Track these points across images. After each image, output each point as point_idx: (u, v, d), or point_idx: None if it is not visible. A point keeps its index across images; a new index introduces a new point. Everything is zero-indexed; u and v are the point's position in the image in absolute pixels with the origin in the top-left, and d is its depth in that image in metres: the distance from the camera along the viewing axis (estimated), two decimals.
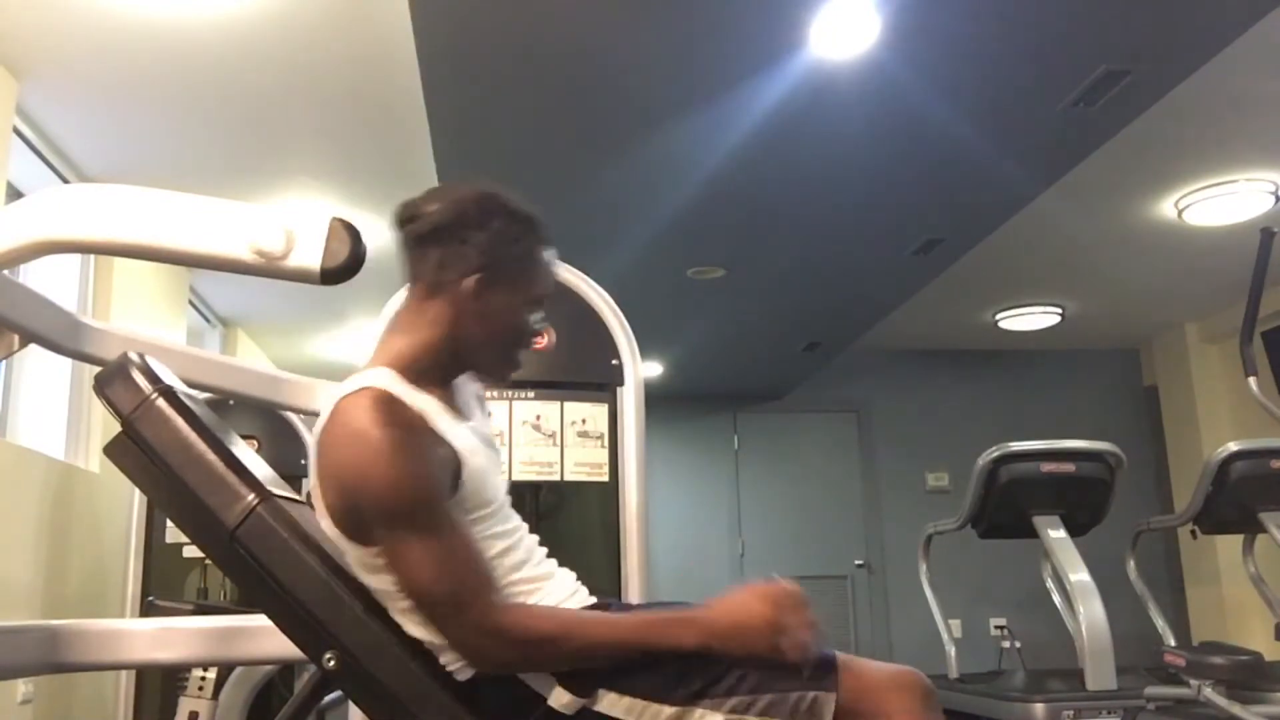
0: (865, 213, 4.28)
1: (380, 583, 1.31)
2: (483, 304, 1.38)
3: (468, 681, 1.32)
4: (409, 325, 1.40)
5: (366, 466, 1.25)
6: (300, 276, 1.16)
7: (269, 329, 6.24)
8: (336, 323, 6.06)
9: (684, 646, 1.26)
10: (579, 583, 1.46)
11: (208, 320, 5.72)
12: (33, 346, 1.57)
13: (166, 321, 4.77)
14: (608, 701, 1.28)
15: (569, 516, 2.79)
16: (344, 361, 6.37)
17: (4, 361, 3.34)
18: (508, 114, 3.47)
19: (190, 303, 5.27)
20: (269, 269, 1.16)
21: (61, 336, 1.62)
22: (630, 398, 2.55)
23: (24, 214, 1.25)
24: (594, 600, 1.45)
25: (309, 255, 1.15)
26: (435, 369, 1.39)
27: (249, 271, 1.26)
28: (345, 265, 1.15)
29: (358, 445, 1.26)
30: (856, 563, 7.22)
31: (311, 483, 1.36)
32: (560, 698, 1.28)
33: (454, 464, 1.31)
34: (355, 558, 1.31)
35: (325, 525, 1.33)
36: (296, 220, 1.18)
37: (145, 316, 4.49)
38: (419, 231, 1.38)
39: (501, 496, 1.41)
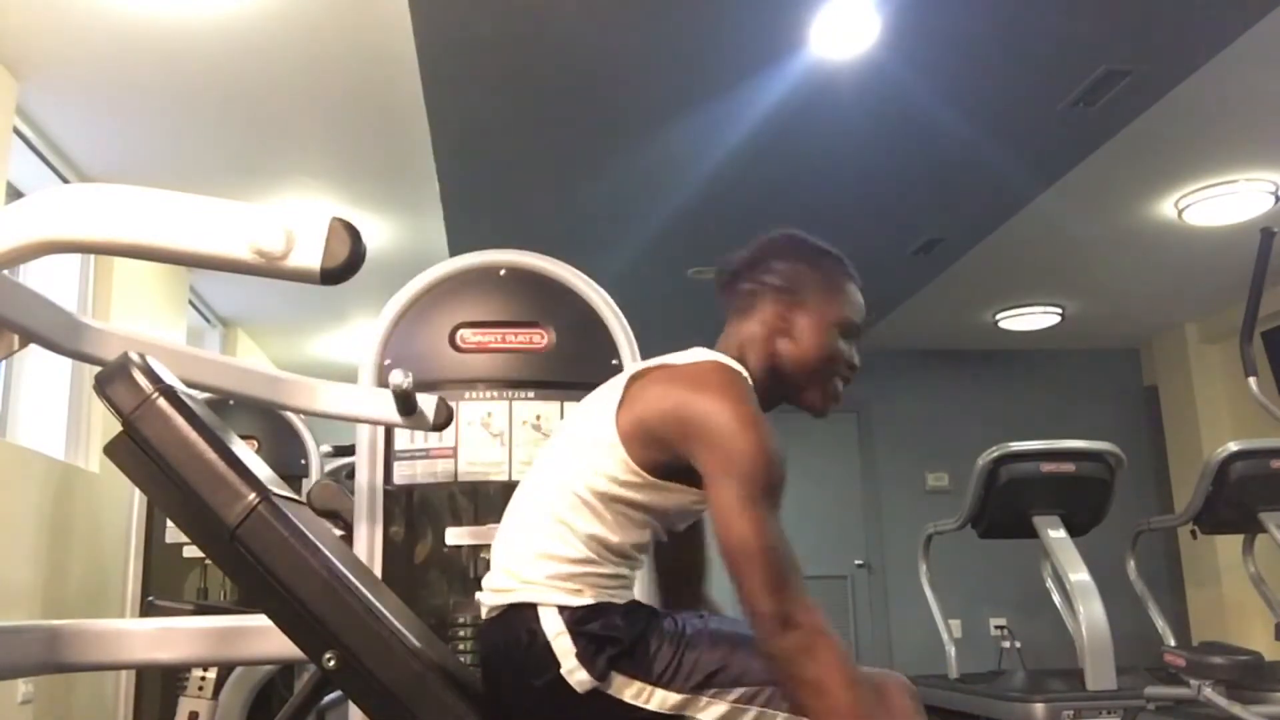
0: (865, 213, 4.29)
1: (588, 493, 1.37)
2: (790, 324, 1.50)
3: (489, 634, 1.40)
4: (738, 349, 1.50)
5: (742, 424, 1.32)
6: (300, 276, 1.16)
7: (269, 329, 6.24)
8: (336, 323, 6.06)
9: None
10: None
11: (208, 320, 5.72)
12: (32, 346, 1.57)
13: (166, 321, 4.78)
14: (618, 684, 1.31)
15: None
16: (344, 361, 6.37)
17: (4, 361, 3.34)
18: (508, 114, 3.47)
19: (190, 303, 5.28)
20: (269, 269, 1.16)
21: (61, 336, 1.62)
22: None
23: (24, 214, 1.26)
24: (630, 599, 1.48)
25: (309, 255, 1.15)
26: (762, 393, 1.46)
27: (249, 271, 1.26)
28: (345, 265, 1.15)
29: (736, 404, 1.34)
30: (856, 563, 7.22)
31: (619, 384, 1.44)
32: (575, 673, 1.30)
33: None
34: (608, 459, 1.37)
35: (605, 424, 1.39)
36: (296, 220, 1.18)
37: (145, 316, 4.50)
38: (731, 270, 1.54)
39: None
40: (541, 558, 1.37)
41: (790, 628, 1.25)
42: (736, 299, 1.55)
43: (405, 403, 1.96)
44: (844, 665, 1.25)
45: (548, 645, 1.32)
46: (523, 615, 1.36)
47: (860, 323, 1.56)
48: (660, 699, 1.31)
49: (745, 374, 1.44)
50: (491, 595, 1.41)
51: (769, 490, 1.31)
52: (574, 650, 1.31)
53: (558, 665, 1.31)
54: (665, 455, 1.36)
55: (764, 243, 1.58)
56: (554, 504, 1.40)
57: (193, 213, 1.21)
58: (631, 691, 1.31)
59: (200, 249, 1.19)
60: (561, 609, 1.34)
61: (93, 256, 4.04)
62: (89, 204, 1.23)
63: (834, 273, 1.56)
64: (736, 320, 1.54)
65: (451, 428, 2.38)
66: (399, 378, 1.92)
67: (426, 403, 2.02)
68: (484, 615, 1.44)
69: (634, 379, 1.44)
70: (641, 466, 1.37)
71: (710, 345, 1.52)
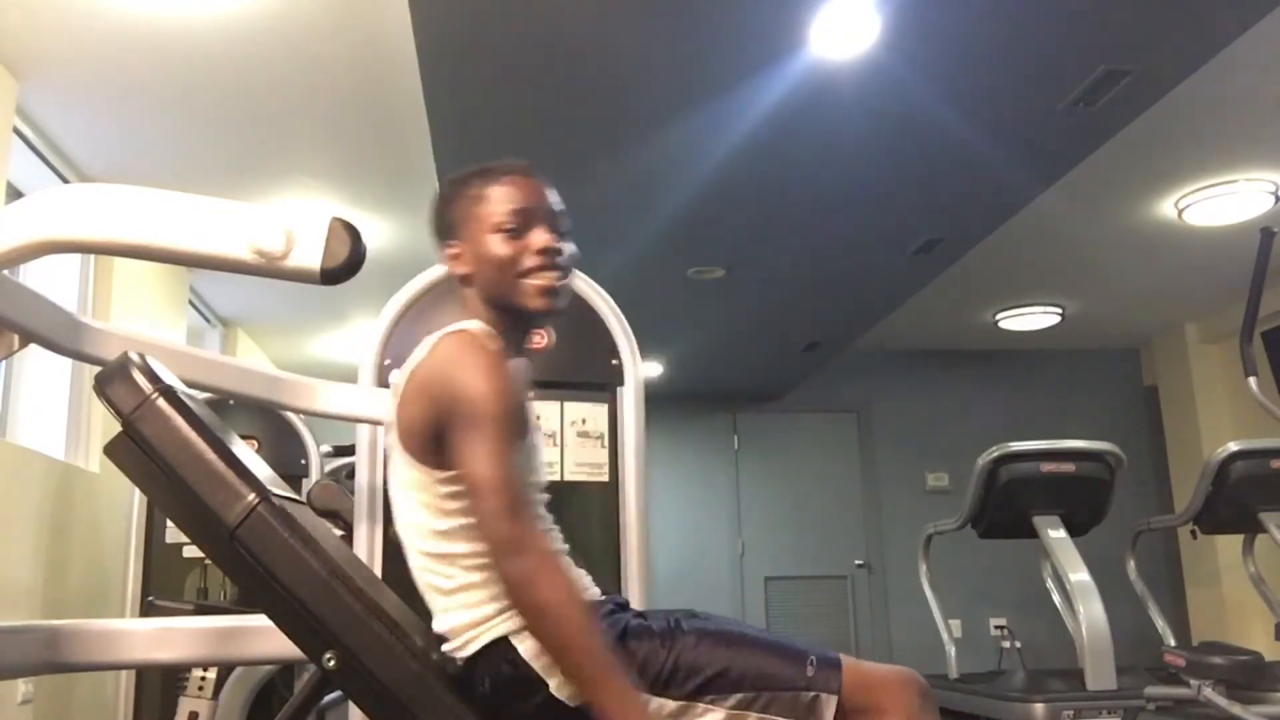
0: (865, 213, 4.28)
1: (438, 518, 1.36)
2: (465, 260, 1.50)
3: (469, 676, 1.34)
4: (466, 314, 1.50)
5: (470, 374, 1.34)
6: (300, 276, 1.16)
7: (269, 329, 6.24)
8: (336, 323, 6.06)
9: (601, 707, 1.23)
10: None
11: (208, 320, 5.72)
12: (32, 346, 1.57)
13: (166, 321, 4.78)
14: None
15: (569, 517, 2.78)
16: (344, 362, 6.37)
17: (4, 362, 3.33)
18: (508, 114, 3.47)
19: (190, 303, 5.28)
20: (269, 269, 1.16)
21: (61, 336, 1.62)
22: (630, 398, 2.55)
23: (24, 214, 1.25)
24: (603, 597, 1.46)
25: (309, 255, 1.15)
26: (499, 330, 1.46)
27: (249, 271, 1.26)
28: (345, 265, 1.15)
29: (464, 358, 1.36)
30: (856, 563, 7.22)
31: (390, 414, 1.44)
32: (565, 688, 1.28)
33: (524, 413, 1.44)
34: (423, 484, 1.38)
35: (398, 459, 1.41)
36: (296, 220, 1.18)
37: (145, 316, 4.50)
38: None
39: (541, 474, 1.52)
40: (468, 597, 1.34)
41: (523, 552, 1.26)
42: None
43: None
44: (569, 591, 1.27)
45: (529, 668, 1.30)
46: (495, 652, 1.32)
47: (518, 209, 1.48)
48: (656, 706, 1.28)
49: (474, 328, 1.43)
50: (457, 651, 1.36)
51: (498, 425, 1.32)
52: (559, 666, 1.28)
53: (545, 685, 1.29)
54: (442, 444, 1.36)
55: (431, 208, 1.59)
56: (430, 547, 1.38)
57: (193, 213, 1.21)
58: None
59: (200, 249, 1.19)
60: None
61: (93, 256, 4.04)
62: (89, 204, 1.23)
63: (469, 190, 1.53)
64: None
65: None
66: (399, 378, 1.92)
67: None
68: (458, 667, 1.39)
69: (399, 397, 1.43)
70: (437, 467, 1.36)
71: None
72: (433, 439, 1.36)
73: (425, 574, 1.39)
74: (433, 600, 1.39)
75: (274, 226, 1.16)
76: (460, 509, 1.36)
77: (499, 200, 1.50)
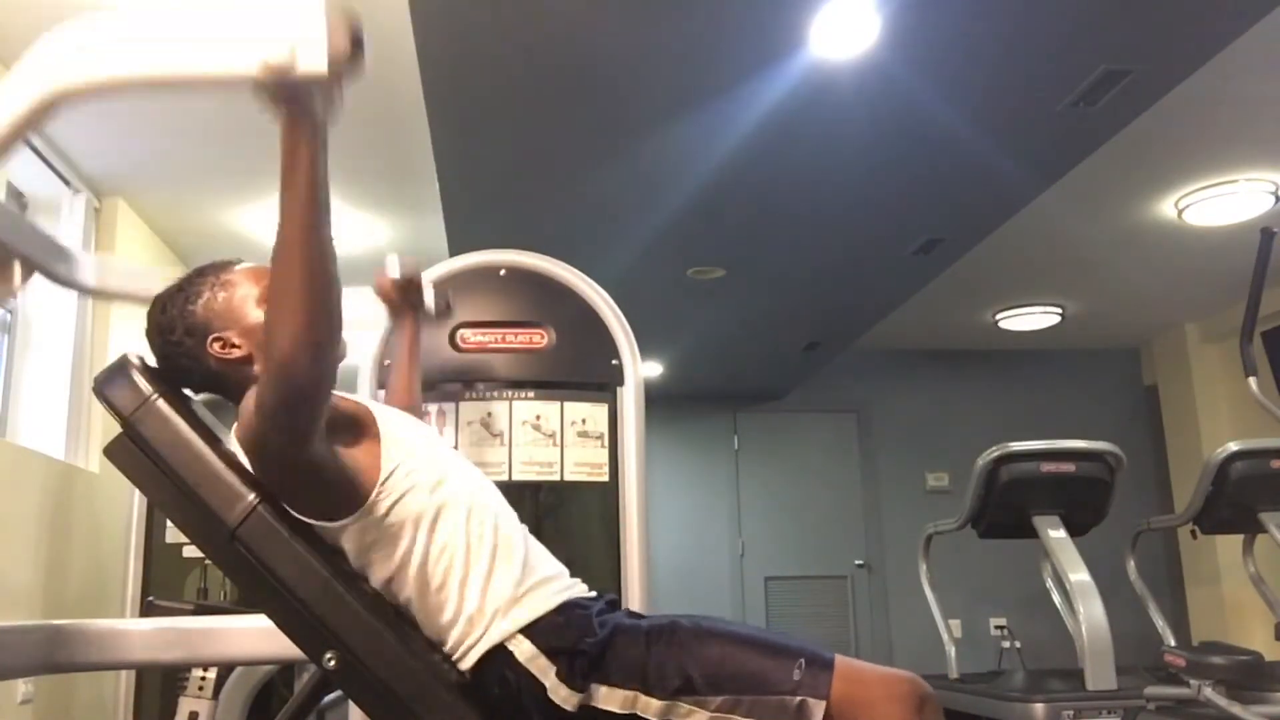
0: (865, 213, 4.28)
1: (381, 565, 1.37)
2: (241, 343, 1.48)
3: (468, 680, 1.34)
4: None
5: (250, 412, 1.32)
6: (311, 83, 1.22)
7: None
8: None
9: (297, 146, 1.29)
10: (576, 580, 1.48)
11: None
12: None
13: None
14: (602, 695, 1.29)
15: (569, 517, 2.79)
16: (344, 363, 6.36)
17: (4, 362, 3.34)
18: (508, 114, 3.47)
19: None
20: (280, 86, 1.21)
21: (63, 270, 1.65)
22: (630, 398, 2.55)
23: (26, 74, 1.29)
24: (594, 594, 1.46)
25: (314, 59, 1.21)
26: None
27: (259, 92, 1.29)
28: (352, 61, 1.23)
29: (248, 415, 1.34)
30: (856, 563, 7.22)
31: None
32: (558, 691, 1.28)
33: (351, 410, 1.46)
34: (346, 543, 1.38)
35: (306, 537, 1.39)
36: (293, 25, 1.23)
37: (145, 311, 4.49)
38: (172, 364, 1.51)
39: (423, 440, 1.51)
40: (460, 619, 1.34)
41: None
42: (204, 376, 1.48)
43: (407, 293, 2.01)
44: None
45: (529, 674, 1.30)
46: (494, 660, 1.33)
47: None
48: (644, 705, 1.28)
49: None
50: (459, 663, 1.36)
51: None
52: (553, 669, 1.29)
53: (544, 689, 1.29)
54: (317, 489, 1.34)
55: (154, 328, 1.51)
56: (403, 596, 1.37)
57: (193, 33, 1.26)
58: (616, 701, 1.28)
59: (208, 72, 1.25)
60: (525, 630, 1.32)
61: (92, 244, 4.04)
62: (87, 47, 1.27)
63: (204, 288, 1.51)
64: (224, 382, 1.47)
65: (451, 429, 2.39)
66: (392, 263, 1.97)
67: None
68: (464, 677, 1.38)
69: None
70: (331, 517, 1.35)
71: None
72: (303, 487, 1.34)
73: (420, 616, 1.38)
74: (432, 630, 1.38)
75: (274, 38, 1.22)
76: (386, 535, 1.34)
77: (252, 277, 1.50)
